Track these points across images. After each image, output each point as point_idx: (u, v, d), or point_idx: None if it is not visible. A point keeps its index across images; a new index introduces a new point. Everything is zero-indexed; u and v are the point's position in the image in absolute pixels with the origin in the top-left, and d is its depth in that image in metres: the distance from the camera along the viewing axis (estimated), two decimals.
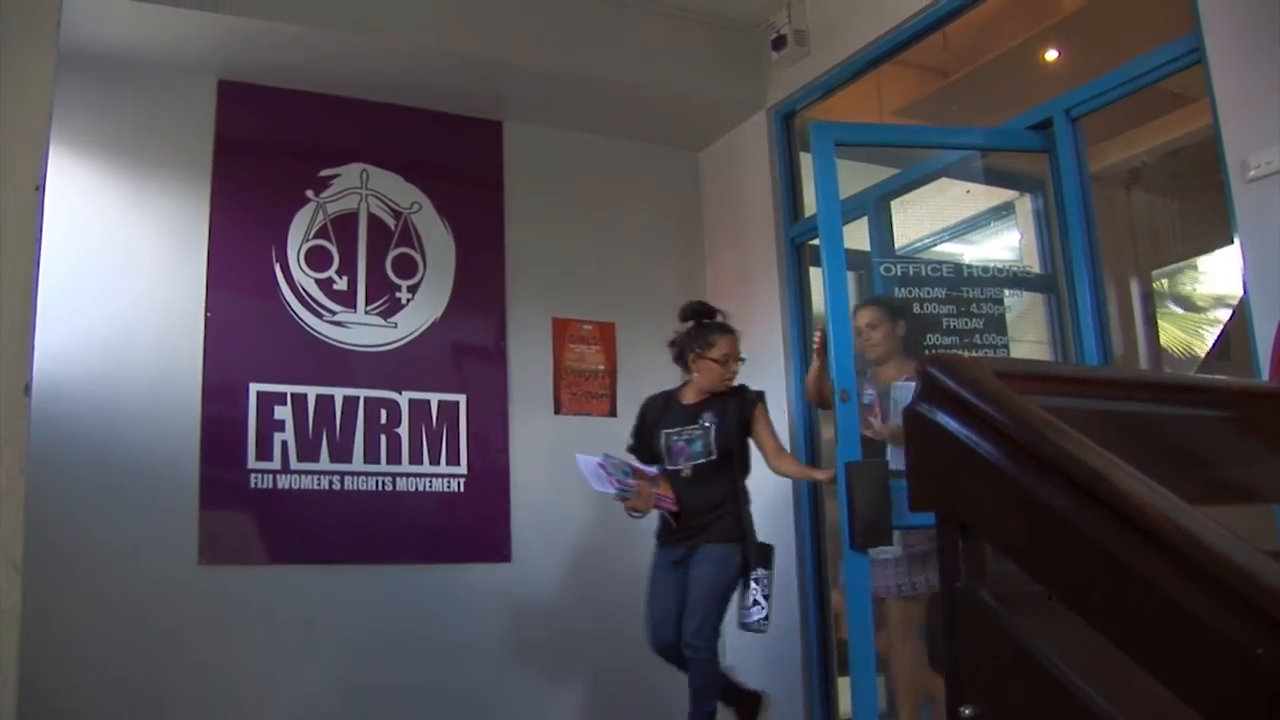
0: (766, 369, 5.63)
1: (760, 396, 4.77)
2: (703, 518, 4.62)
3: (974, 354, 4.65)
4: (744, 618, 4.56)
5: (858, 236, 5.32)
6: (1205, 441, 1.86)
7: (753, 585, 4.53)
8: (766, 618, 4.53)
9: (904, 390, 4.32)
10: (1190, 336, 6.66)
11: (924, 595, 4.41)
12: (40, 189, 1.46)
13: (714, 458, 4.63)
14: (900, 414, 4.15)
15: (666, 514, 4.68)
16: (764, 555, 4.64)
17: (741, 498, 4.69)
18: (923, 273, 4.85)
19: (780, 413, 5.52)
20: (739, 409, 4.68)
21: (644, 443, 4.83)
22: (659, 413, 4.83)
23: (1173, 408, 1.85)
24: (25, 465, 1.43)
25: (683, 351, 4.78)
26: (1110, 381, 1.93)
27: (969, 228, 6.39)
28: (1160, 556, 1.23)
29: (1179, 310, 6.78)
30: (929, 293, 4.77)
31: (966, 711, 1.51)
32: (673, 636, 4.55)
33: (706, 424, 4.66)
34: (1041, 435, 1.39)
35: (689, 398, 4.78)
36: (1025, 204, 5.95)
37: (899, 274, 4.90)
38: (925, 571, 4.40)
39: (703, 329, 4.74)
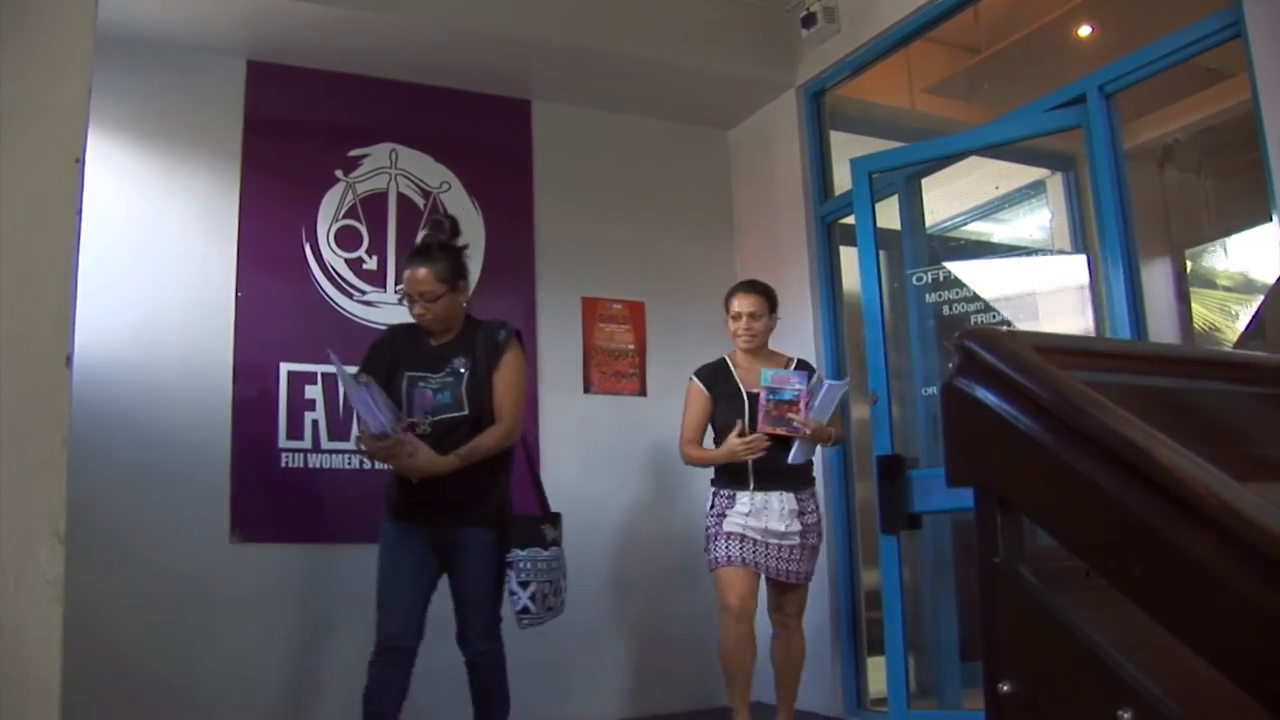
0: (796, 347, 5.61)
1: (514, 337, 4.03)
2: (456, 494, 3.85)
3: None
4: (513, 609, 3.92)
5: (888, 215, 5.29)
6: (1246, 418, 1.84)
7: (509, 572, 3.89)
8: (526, 610, 3.89)
9: (833, 386, 4.43)
10: (1224, 315, 6.60)
11: (806, 587, 4.50)
12: (80, 162, 1.47)
13: (464, 413, 3.87)
14: (824, 408, 4.34)
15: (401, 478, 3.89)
16: (527, 533, 3.97)
17: (500, 468, 3.98)
18: (950, 278, 4.92)
19: None
20: (487, 353, 3.95)
21: (378, 381, 3.83)
22: (403, 347, 4.00)
23: (1213, 383, 1.84)
24: (68, 437, 1.45)
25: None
26: (1149, 357, 1.91)
27: (999, 206, 6.35)
28: (1203, 531, 1.22)
29: (1212, 289, 6.71)
30: (957, 293, 4.86)
31: (1005, 688, 1.51)
32: (414, 636, 3.87)
33: (460, 370, 3.91)
34: (1082, 410, 1.37)
35: (436, 337, 4.01)
36: (1056, 182, 5.91)
37: (929, 281, 4.96)
38: (811, 563, 4.46)
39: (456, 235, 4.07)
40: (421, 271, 3.87)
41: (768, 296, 4.65)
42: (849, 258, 5.63)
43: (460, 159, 5.60)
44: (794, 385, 4.41)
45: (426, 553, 3.90)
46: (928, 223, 5.59)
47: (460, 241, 4.03)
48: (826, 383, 4.46)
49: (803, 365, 4.67)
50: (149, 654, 4.58)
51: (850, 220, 5.56)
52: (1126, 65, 4.21)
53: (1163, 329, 5.47)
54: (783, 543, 4.38)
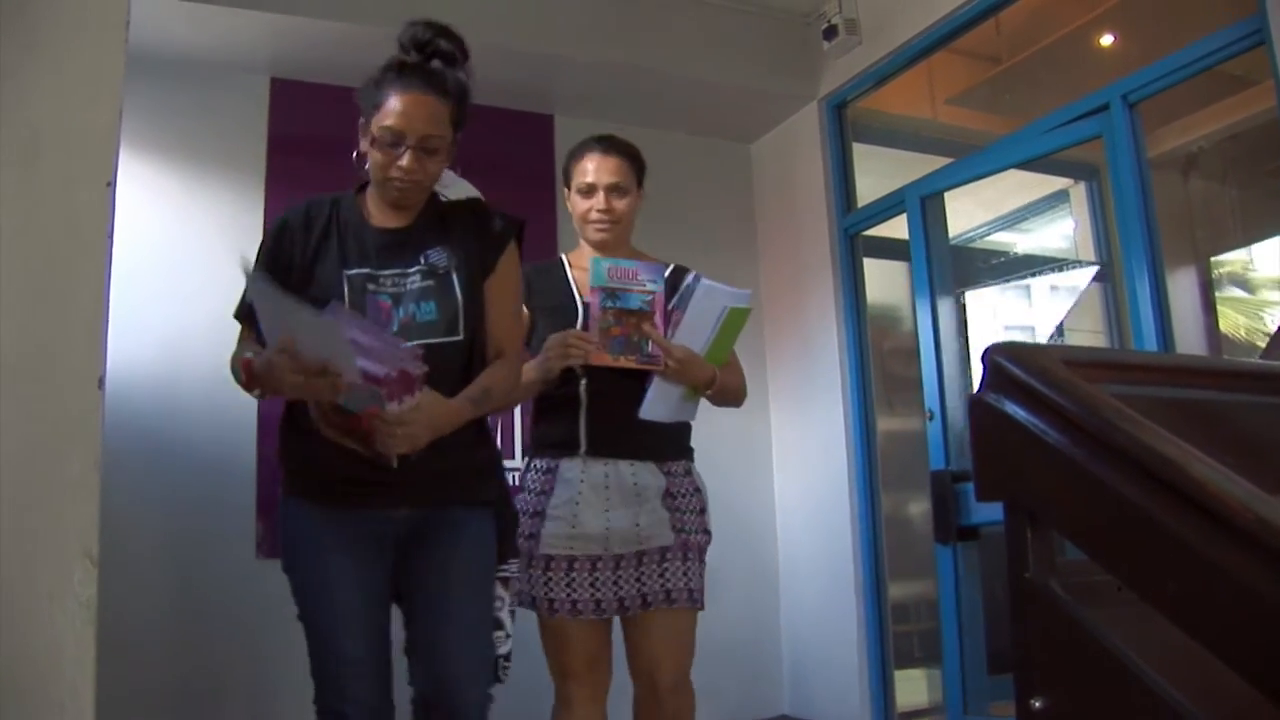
0: (820, 362, 5.61)
1: (517, 227, 2.77)
2: (442, 456, 2.45)
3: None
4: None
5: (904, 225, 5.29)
6: (1276, 429, 1.83)
7: (500, 595, 2.97)
8: (508, 658, 3.07)
9: (713, 291, 2.94)
10: (1252, 322, 6.56)
11: (693, 616, 3.03)
12: (111, 185, 1.48)
13: (458, 338, 2.52)
14: (698, 325, 2.87)
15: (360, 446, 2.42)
16: (513, 534, 2.86)
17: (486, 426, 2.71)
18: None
19: (836, 410, 5.49)
20: (480, 246, 2.65)
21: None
22: (324, 233, 2.61)
23: (1244, 395, 1.82)
24: (100, 458, 1.46)
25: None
26: (1179, 369, 1.90)
27: (1022, 216, 6.34)
28: (1237, 546, 1.21)
29: (1239, 296, 6.68)
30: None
31: (1036, 704, 1.50)
32: (384, 696, 2.57)
33: (439, 266, 2.56)
34: (1112, 423, 1.37)
35: (387, 216, 2.64)
36: (1079, 191, 5.89)
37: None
38: (698, 574, 3.03)
39: (389, 73, 2.68)
40: (429, 101, 2.57)
41: (633, 161, 3.19)
42: (872, 270, 5.63)
43: (483, 174, 5.60)
44: (644, 283, 2.90)
45: (378, 555, 2.52)
46: (950, 234, 5.58)
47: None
48: (705, 283, 2.94)
49: (681, 272, 3.14)
50: (176, 669, 4.59)
51: (874, 232, 5.57)
52: (1149, 74, 4.20)
53: (1190, 338, 5.44)
54: (644, 547, 2.90)
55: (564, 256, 3.21)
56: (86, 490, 1.41)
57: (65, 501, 1.41)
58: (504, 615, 2.98)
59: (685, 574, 2.92)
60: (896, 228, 5.48)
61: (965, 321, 5.10)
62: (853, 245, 5.67)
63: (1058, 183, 6.02)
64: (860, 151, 5.81)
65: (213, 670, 4.67)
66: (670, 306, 2.97)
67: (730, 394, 3.10)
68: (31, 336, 1.44)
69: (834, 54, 5.63)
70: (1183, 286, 5.81)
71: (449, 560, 2.54)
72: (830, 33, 5.55)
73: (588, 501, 2.89)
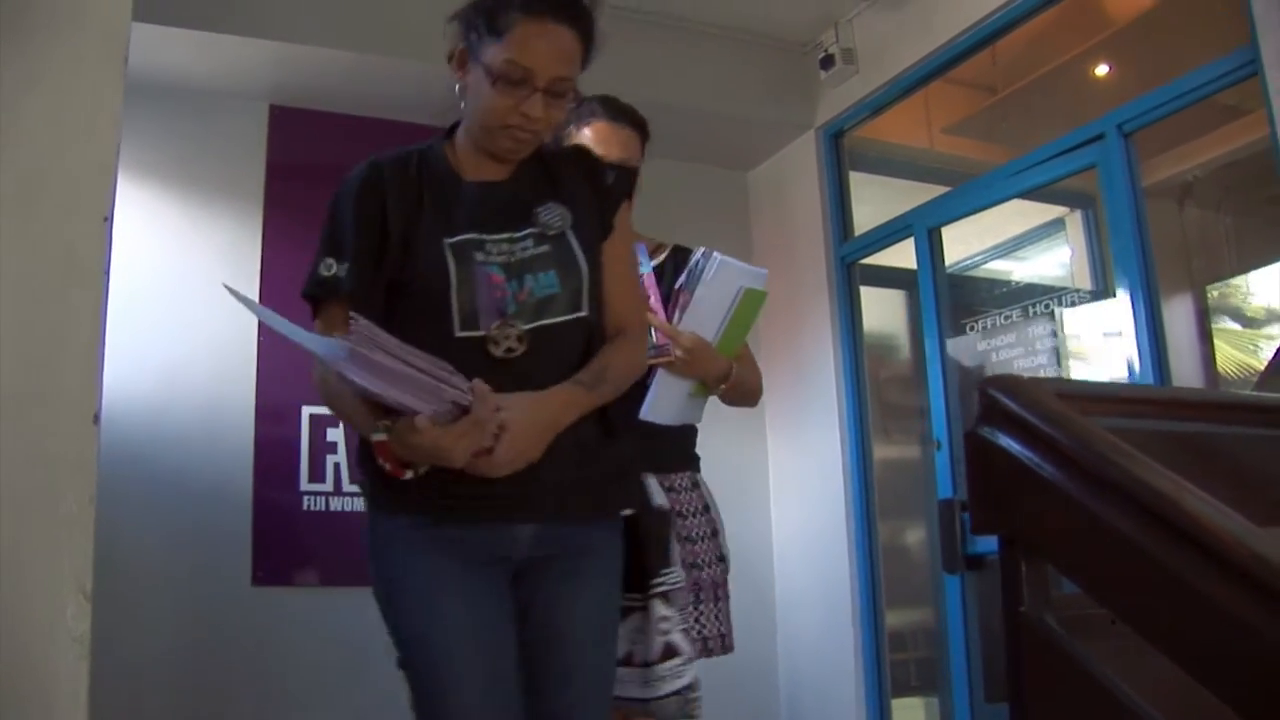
0: (817, 390, 5.61)
1: (631, 179, 2.38)
2: (564, 462, 2.02)
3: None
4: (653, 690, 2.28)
5: (908, 254, 5.30)
6: (1272, 461, 1.83)
7: (666, 614, 2.29)
8: (694, 687, 2.37)
9: (726, 267, 2.63)
10: (1246, 353, 6.58)
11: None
12: (108, 220, 1.49)
13: (582, 314, 2.07)
14: (712, 308, 2.53)
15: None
16: (666, 537, 2.41)
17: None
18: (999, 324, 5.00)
19: (833, 437, 5.49)
20: (597, 201, 2.20)
21: (368, 273, 2.10)
22: (417, 191, 2.14)
23: (1238, 427, 1.83)
24: (95, 494, 1.46)
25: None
26: (1173, 401, 1.90)
27: (1018, 244, 6.34)
28: (1231, 580, 1.22)
29: (1235, 326, 6.69)
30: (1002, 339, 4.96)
31: None
32: None
33: (560, 227, 2.10)
34: (1106, 458, 1.37)
35: (483, 168, 2.17)
36: (1076, 219, 5.91)
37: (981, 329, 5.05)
38: (725, 617, 2.59)
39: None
40: (566, 35, 2.09)
41: (642, 131, 2.93)
42: (869, 298, 5.64)
43: None
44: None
45: (499, 582, 2.05)
46: (947, 262, 5.59)
47: None
48: (719, 258, 2.64)
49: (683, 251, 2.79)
50: (175, 699, 4.57)
51: (871, 261, 5.59)
52: (1144, 104, 4.22)
53: (1185, 367, 5.45)
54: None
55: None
56: (81, 526, 1.41)
57: (59, 538, 1.40)
58: (677, 638, 2.26)
59: (699, 620, 2.43)
60: (893, 256, 5.49)
61: (975, 350, 5.13)
62: (850, 273, 5.68)
63: (1054, 211, 6.04)
64: (856, 180, 5.83)
65: (211, 699, 4.64)
66: (677, 285, 2.66)
67: (746, 391, 2.69)
68: (26, 371, 1.45)
69: (831, 83, 5.65)
70: (1178, 315, 5.82)
71: (575, 601, 2.07)
72: (827, 62, 5.58)
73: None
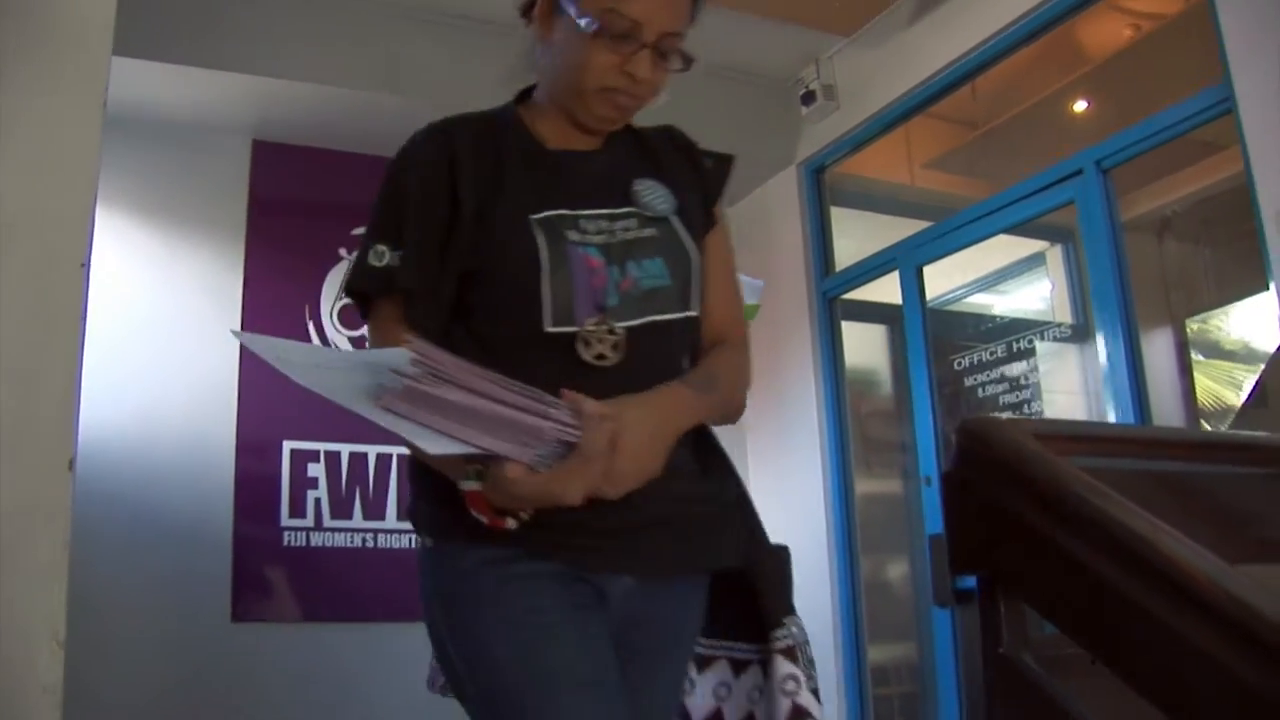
0: (799, 424, 5.62)
1: (728, 167, 1.97)
2: (658, 496, 1.59)
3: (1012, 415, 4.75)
4: None
5: (889, 289, 5.32)
6: (1252, 499, 1.84)
7: (786, 670, 1.75)
8: None
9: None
10: (1226, 386, 6.61)
11: None
12: (85, 266, 1.48)
13: (689, 313, 1.71)
14: None
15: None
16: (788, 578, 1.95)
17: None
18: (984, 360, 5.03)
19: (815, 471, 5.50)
20: (698, 182, 1.88)
21: (432, 261, 1.67)
22: (494, 160, 1.73)
23: (1217, 466, 1.84)
24: (69, 541, 1.45)
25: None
26: (1152, 440, 1.91)
27: (999, 279, 6.37)
28: (1207, 621, 1.22)
29: (1214, 359, 6.73)
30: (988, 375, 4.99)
31: None
32: None
33: (664, 210, 1.74)
34: (1082, 498, 1.38)
35: (568, 138, 1.80)
36: (1056, 254, 5.94)
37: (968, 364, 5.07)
38: None
39: None
40: None
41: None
42: (850, 333, 5.66)
43: None
44: None
45: (606, 626, 1.62)
46: (928, 296, 5.62)
47: None
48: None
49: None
50: None
51: (853, 295, 5.61)
52: (1121, 141, 4.26)
53: (1165, 401, 5.47)
54: None
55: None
56: (55, 574, 1.40)
57: (33, 585, 1.39)
58: (806, 698, 1.71)
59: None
60: (874, 291, 5.52)
61: (961, 386, 5.16)
62: (831, 308, 5.70)
63: (1034, 245, 6.07)
64: (837, 214, 5.86)
65: None
66: None
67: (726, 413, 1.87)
68: (2, 416, 1.44)
69: (812, 119, 5.68)
70: (1158, 348, 5.85)
71: (665, 652, 1.72)
72: (809, 98, 5.61)
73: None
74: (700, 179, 1.86)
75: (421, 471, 1.66)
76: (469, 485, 1.46)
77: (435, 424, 1.36)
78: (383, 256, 1.66)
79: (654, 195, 1.73)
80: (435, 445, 1.36)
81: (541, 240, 1.60)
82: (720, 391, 1.70)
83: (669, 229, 1.71)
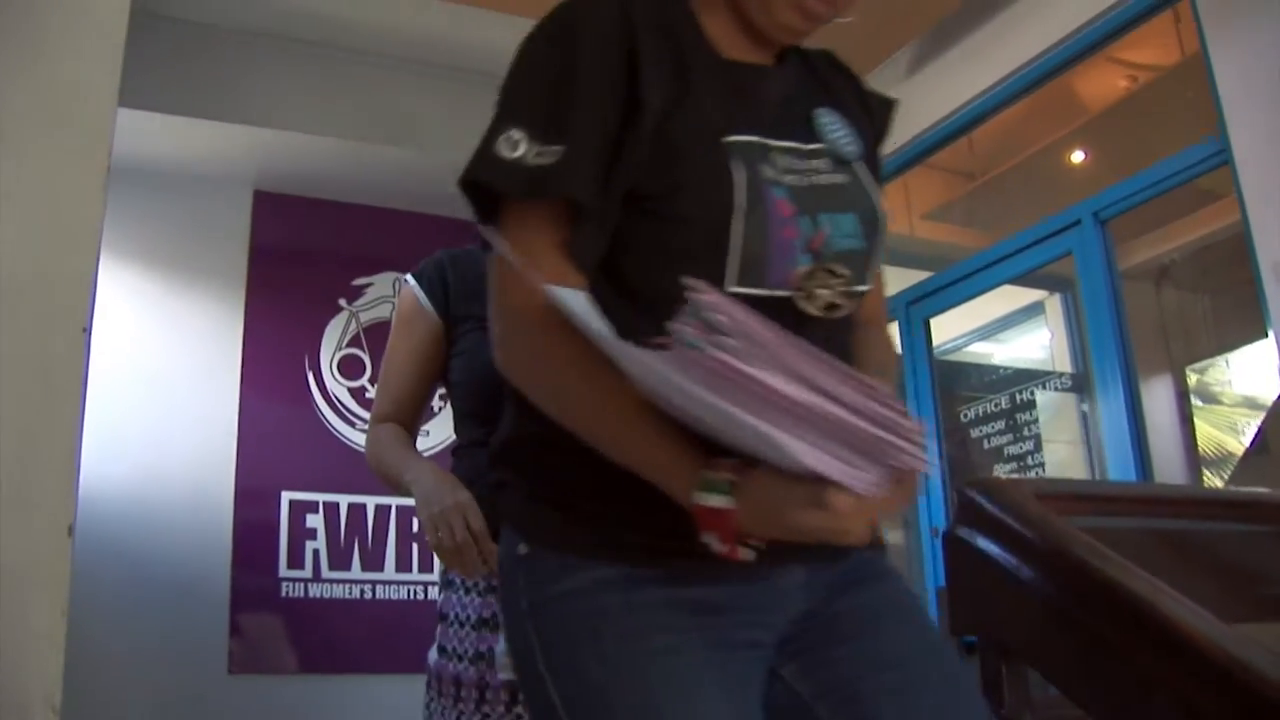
0: None
1: (892, 109, 1.55)
2: None
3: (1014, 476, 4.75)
4: None
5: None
6: (1253, 557, 1.83)
7: None
8: None
9: None
10: (1227, 433, 6.61)
11: None
12: (87, 332, 1.48)
13: (863, 289, 1.29)
14: None
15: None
16: None
17: None
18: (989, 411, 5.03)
19: None
20: (874, 131, 1.45)
21: (600, 167, 1.20)
22: (679, 60, 1.26)
23: (1219, 523, 1.83)
24: (67, 608, 1.44)
25: None
26: (1153, 499, 1.91)
27: (999, 327, 6.38)
28: (1210, 684, 1.21)
29: (1215, 406, 6.73)
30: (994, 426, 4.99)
31: None
32: None
33: (852, 150, 1.32)
34: (1083, 560, 1.37)
35: (741, 47, 1.34)
36: (1054, 302, 5.95)
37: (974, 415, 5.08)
38: None
39: None
40: None
41: None
42: None
43: None
44: None
45: (759, 676, 1.22)
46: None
47: None
48: None
49: None
50: None
51: None
52: (1119, 192, 4.28)
53: (1166, 449, 5.47)
54: None
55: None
56: (52, 642, 1.39)
57: (28, 652, 1.38)
58: None
59: None
60: None
61: (968, 436, 5.16)
62: None
63: (1033, 294, 6.08)
64: None
65: None
66: None
67: None
68: (1, 482, 1.43)
69: None
70: (1158, 396, 5.84)
71: (902, 621, 1.29)
72: None
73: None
74: (870, 120, 1.45)
75: (533, 452, 1.28)
76: (715, 501, 1.06)
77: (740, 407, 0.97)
78: (517, 146, 1.21)
79: (840, 133, 1.34)
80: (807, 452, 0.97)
81: (741, 171, 1.21)
82: (890, 386, 1.20)
83: (856, 179, 1.32)
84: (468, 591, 2.04)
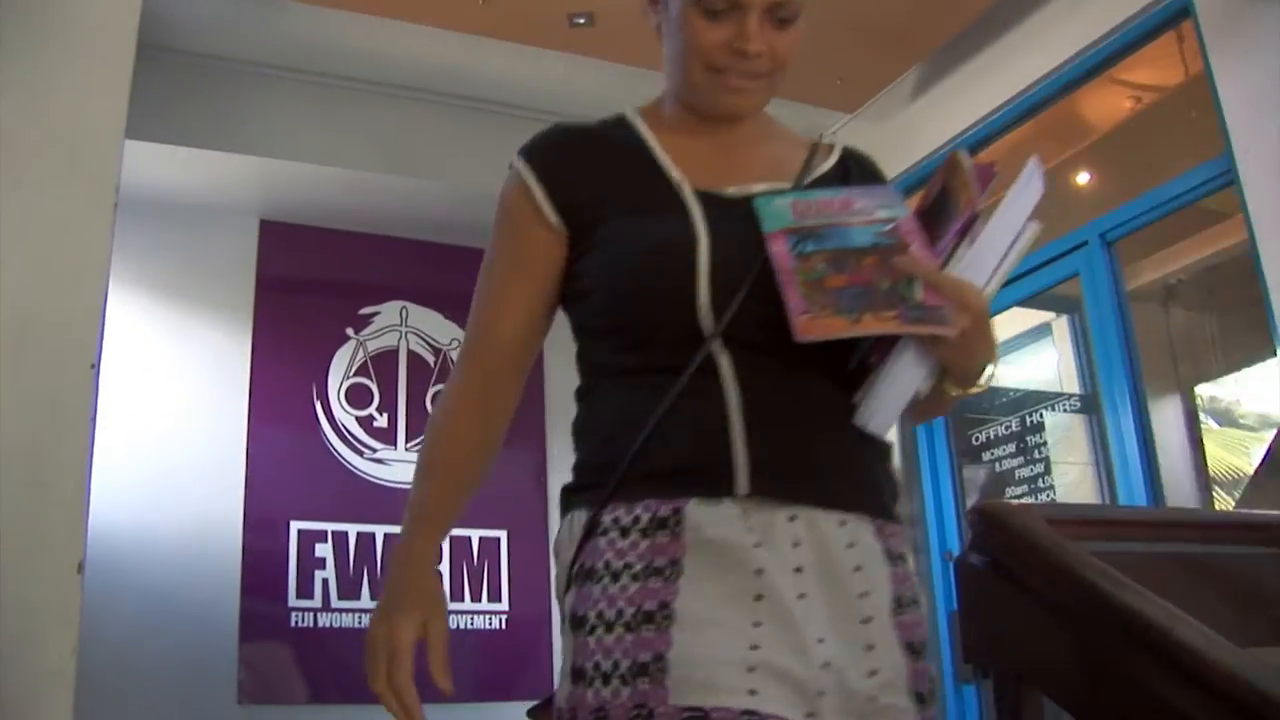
0: None
1: None
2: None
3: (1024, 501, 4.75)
4: None
5: None
6: (1267, 580, 1.82)
7: None
8: None
9: (1025, 193, 1.47)
10: (1237, 454, 6.58)
11: None
12: (95, 368, 1.49)
13: None
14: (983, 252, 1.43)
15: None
16: None
17: None
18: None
19: None
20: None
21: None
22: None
23: (1231, 546, 1.82)
24: (77, 646, 1.44)
25: None
26: (1164, 522, 1.90)
27: (1006, 349, 6.37)
28: (1225, 711, 1.20)
29: (1226, 426, 6.71)
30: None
31: None
32: None
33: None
34: (1096, 586, 1.36)
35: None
36: (1062, 324, 5.94)
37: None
38: None
39: None
40: None
41: None
42: None
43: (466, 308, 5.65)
44: (871, 211, 1.44)
45: None
46: None
47: None
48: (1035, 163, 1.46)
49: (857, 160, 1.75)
50: None
51: None
52: (1125, 214, 4.28)
53: (1176, 469, 5.44)
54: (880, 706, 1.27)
55: (634, 120, 1.56)
56: (62, 680, 1.39)
57: (41, 690, 1.38)
58: None
59: None
60: None
61: (980, 460, 5.16)
62: None
63: (1040, 316, 6.07)
64: None
65: None
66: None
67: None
68: (11, 520, 1.43)
69: None
70: (1167, 417, 5.82)
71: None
72: None
73: (775, 594, 1.27)
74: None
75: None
76: None
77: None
78: None
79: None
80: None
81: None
82: None
83: None
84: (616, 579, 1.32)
